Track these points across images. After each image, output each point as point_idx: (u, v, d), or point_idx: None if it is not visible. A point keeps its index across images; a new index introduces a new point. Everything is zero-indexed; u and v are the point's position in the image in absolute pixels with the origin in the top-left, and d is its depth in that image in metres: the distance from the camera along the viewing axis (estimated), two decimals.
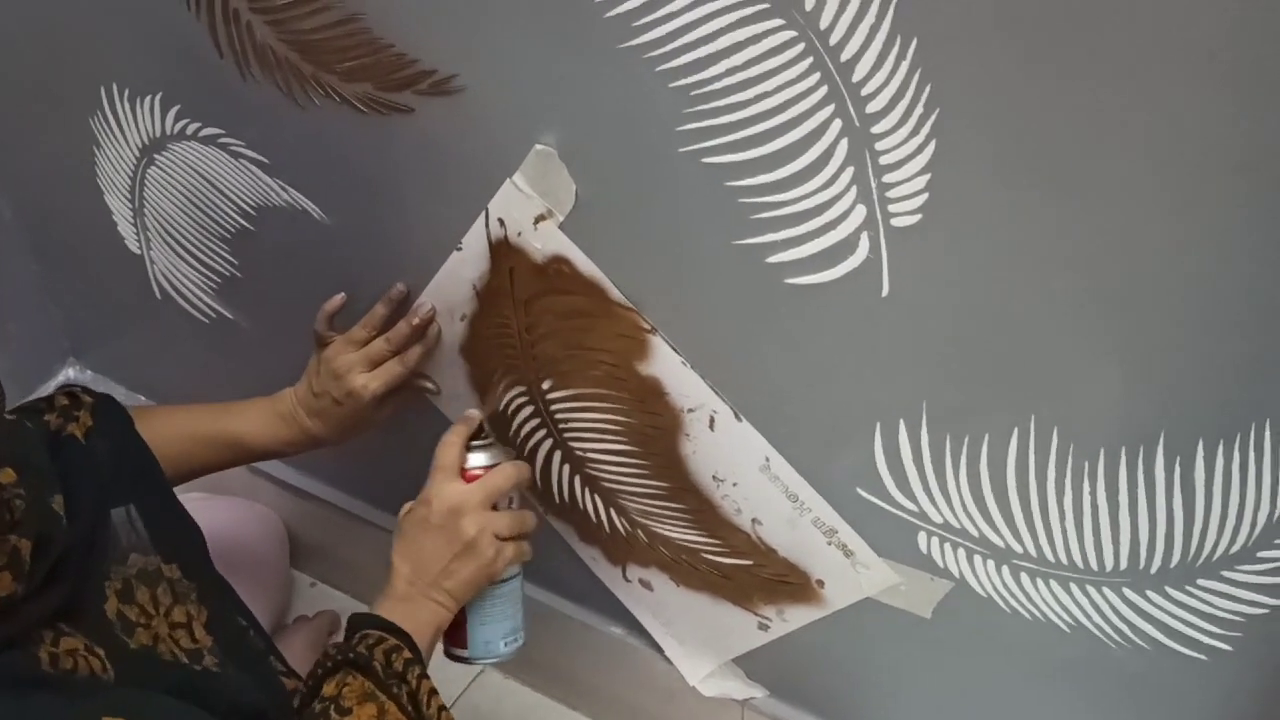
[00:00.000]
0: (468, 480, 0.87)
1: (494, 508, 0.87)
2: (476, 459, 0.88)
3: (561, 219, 0.81)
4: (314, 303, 1.03)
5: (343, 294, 0.98)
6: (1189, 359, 0.65)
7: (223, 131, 0.95)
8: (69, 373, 1.37)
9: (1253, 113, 0.55)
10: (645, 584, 1.04)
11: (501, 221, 0.84)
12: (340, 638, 0.83)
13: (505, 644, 0.91)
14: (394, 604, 0.83)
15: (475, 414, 0.90)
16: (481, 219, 0.85)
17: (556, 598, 1.15)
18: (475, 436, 0.90)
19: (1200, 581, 0.73)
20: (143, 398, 1.33)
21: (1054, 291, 0.66)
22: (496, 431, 0.98)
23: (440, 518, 0.85)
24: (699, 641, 1.06)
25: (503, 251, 0.86)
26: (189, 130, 0.97)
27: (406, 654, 0.78)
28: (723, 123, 0.69)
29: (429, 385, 1.01)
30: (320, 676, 0.77)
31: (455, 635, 0.89)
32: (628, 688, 1.17)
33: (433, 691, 0.77)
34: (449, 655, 0.91)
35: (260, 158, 0.94)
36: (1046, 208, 0.63)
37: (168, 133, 0.98)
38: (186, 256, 1.10)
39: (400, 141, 0.84)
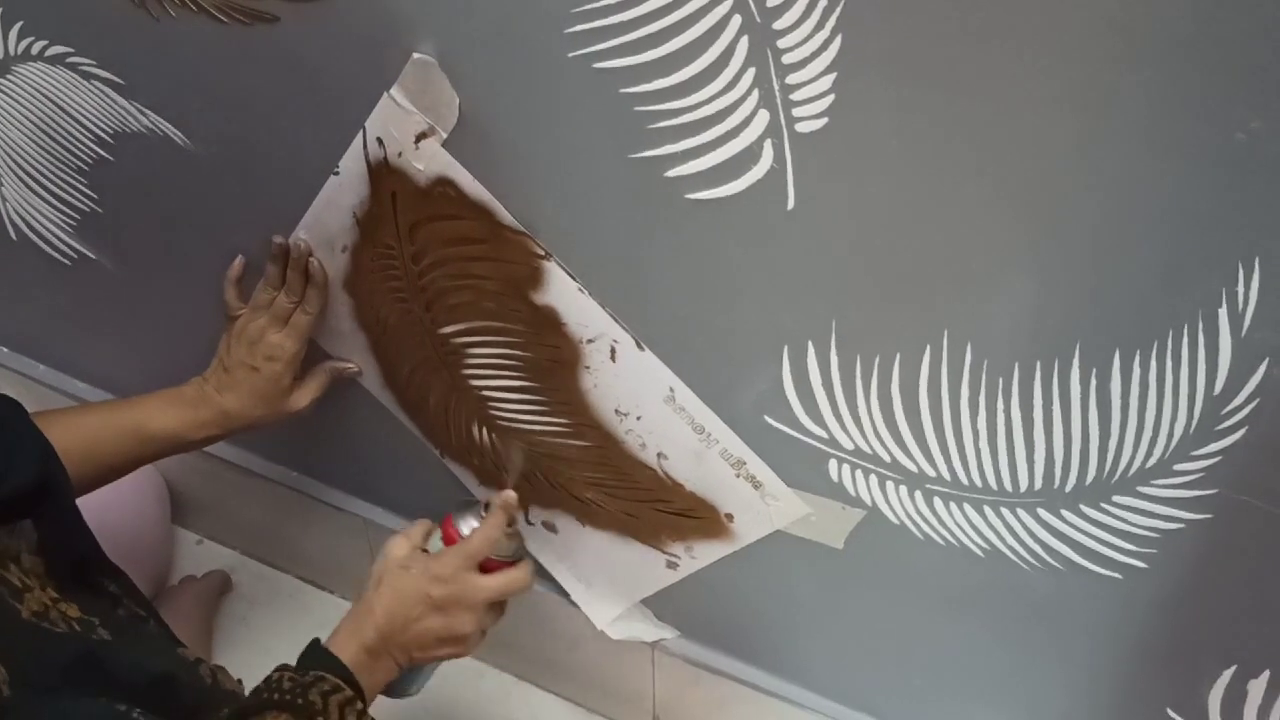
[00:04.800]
0: (484, 568, 0.85)
1: None
2: (502, 550, 0.86)
3: (445, 136, 0.75)
4: (183, 238, 0.97)
5: (241, 257, 0.94)
6: (1103, 266, 0.62)
7: (71, 50, 0.87)
8: None
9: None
10: (549, 526, 1.01)
11: (380, 141, 0.78)
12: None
13: (417, 688, 0.90)
14: (360, 653, 0.80)
15: (514, 498, 0.87)
16: (359, 139, 0.79)
17: None
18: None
19: (1116, 498, 0.71)
20: (4, 349, 1.24)
21: (964, 199, 0.63)
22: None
23: (444, 601, 0.82)
24: (606, 583, 1.02)
25: (383, 174, 0.80)
26: (34, 50, 0.89)
27: (359, 707, 0.75)
28: (614, 22, 0.64)
29: (350, 367, 0.98)
30: (265, 703, 0.73)
31: None
32: (533, 635, 1.13)
33: None
34: None
35: (114, 78, 0.87)
36: (954, 109, 0.59)
37: (11, 53, 0.90)
38: (41, 192, 1.01)
39: (266, 55, 0.78)
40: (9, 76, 0.92)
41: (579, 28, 0.65)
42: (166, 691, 0.72)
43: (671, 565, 0.96)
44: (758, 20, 0.60)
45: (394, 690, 0.86)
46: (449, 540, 0.86)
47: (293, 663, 0.77)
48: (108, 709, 0.66)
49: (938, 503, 0.78)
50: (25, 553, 0.74)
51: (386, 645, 0.81)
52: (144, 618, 0.86)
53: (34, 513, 0.76)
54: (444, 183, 0.78)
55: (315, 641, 0.79)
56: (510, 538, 0.87)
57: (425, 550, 0.85)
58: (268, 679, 0.75)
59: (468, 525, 0.86)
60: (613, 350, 0.82)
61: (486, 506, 0.87)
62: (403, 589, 0.82)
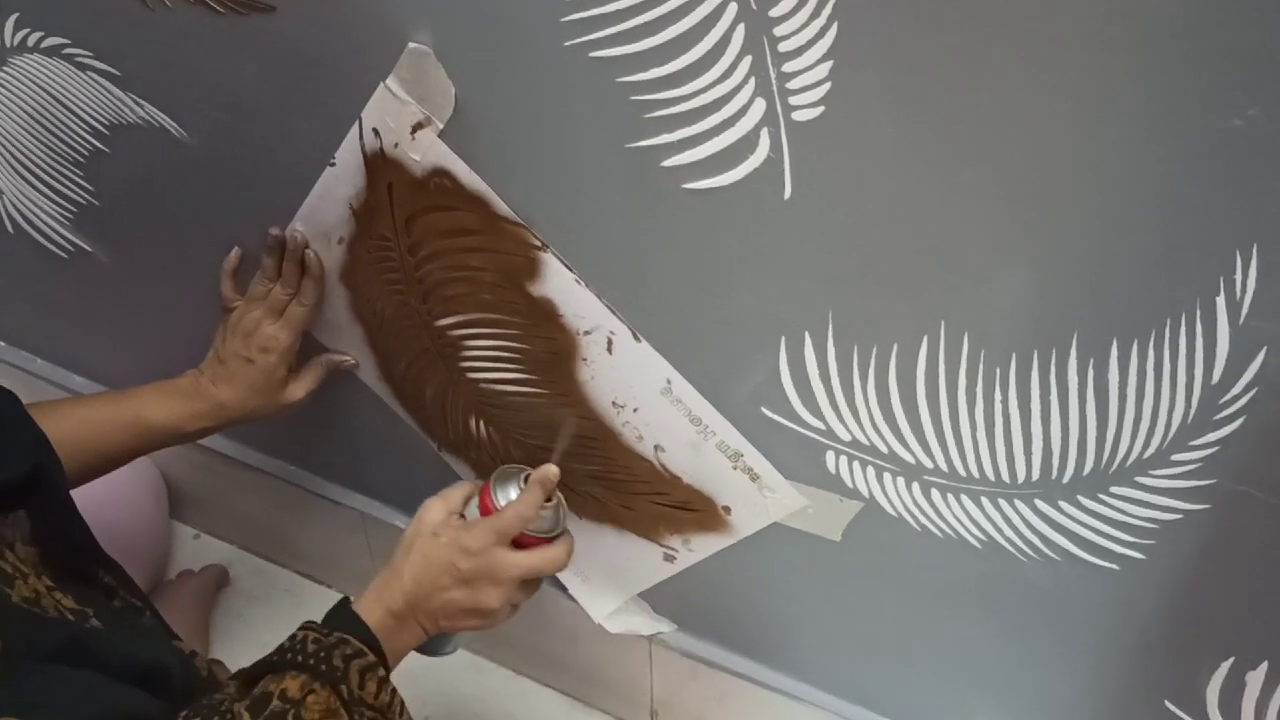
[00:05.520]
0: (519, 542, 0.82)
1: None
2: (539, 524, 0.84)
3: (441, 126, 0.75)
4: (179, 230, 0.97)
5: (237, 248, 0.94)
6: (1100, 255, 0.62)
7: (67, 41, 0.87)
8: None
9: None
10: None
11: (376, 132, 0.78)
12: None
13: (451, 649, 0.88)
14: (386, 616, 0.78)
15: (553, 474, 0.85)
16: (355, 130, 0.79)
17: None
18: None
19: (1114, 489, 0.71)
20: (0, 342, 1.24)
21: (962, 187, 0.62)
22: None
23: (472, 574, 0.80)
24: (603, 577, 1.02)
25: (379, 165, 0.80)
26: (30, 41, 0.88)
27: (381, 674, 0.74)
28: (610, 10, 0.64)
29: (346, 359, 0.98)
30: (288, 662, 0.72)
31: None
32: (530, 629, 1.13)
33: (403, 705, 0.75)
34: None
35: (110, 69, 0.87)
36: (951, 97, 0.59)
37: (7, 45, 0.90)
38: (37, 184, 1.01)
39: (262, 45, 0.77)
40: (4, 68, 0.92)
41: (575, 16, 0.65)
42: (159, 681, 0.72)
43: (669, 558, 0.95)
44: (753, 7, 0.60)
45: (426, 650, 0.85)
46: (485, 509, 0.84)
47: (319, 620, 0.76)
48: (95, 678, 0.65)
49: (935, 494, 0.78)
50: (19, 542, 0.73)
51: (413, 611, 0.79)
52: (139, 609, 0.86)
53: (27, 503, 0.76)
54: (440, 173, 0.78)
55: (344, 600, 0.78)
56: (548, 513, 0.84)
57: (463, 516, 0.84)
58: (292, 636, 0.74)
59: (505, 496, 0.84)
60: (610, 342, 0.82)
61: (529, 477, 0.85)
62: (431, 557, 0.80)
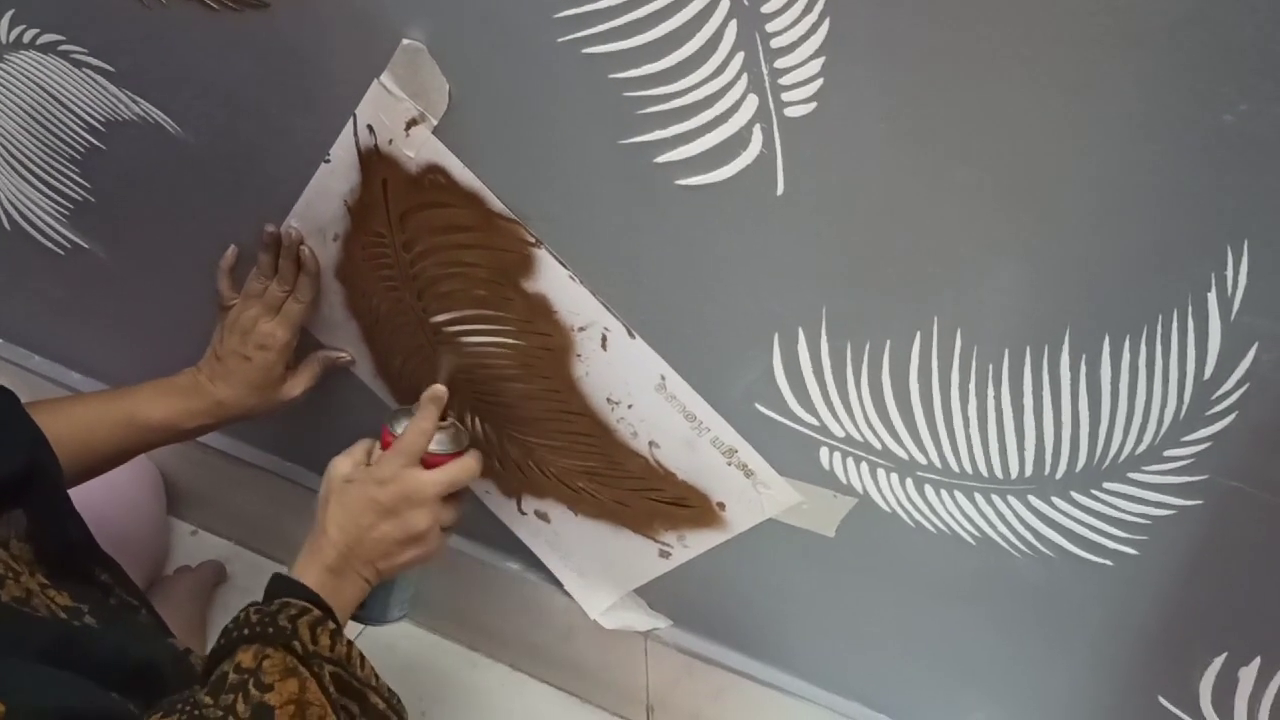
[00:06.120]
0: (427, 465, 0.82)
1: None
2: (440, 444, 0.84)
3: (435, 123, 0.75)
4: (175, 227, 0.97)
5: (233, 246, 0.94)
6: (1092, 251, 0.62)
7: (63, 38, 0.87)
8: None
9: None
10: (542, 516, 1.00)
11: (371, 128, 0.78)
12: (245, 600, 0.77)
13: (399, 611, 0.88)
14: (323, 574, 0.78)
15: (443, 391, 0.85)
16: (349, 126, 0.79)
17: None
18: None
19: (1106, 485, 0.71)
20: None
21: (954, 184, 0.63)
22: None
23: (393, 502, 0.80)
24: (599, 573, 1.02)
25: (373, 161, 0.80)
26: (25, 38, 0.88)
27: (331, 626, 0.73)
28: (603, 7, 0.64)
29: (342, 355, 0.98)
30: (235, 640, 0.71)
31: None
32: (526, 625, 1.13)
33: (362, 656, 0.74)
34: None
35: (105, 65, 0.87)
36: (943, 92, 0.59)
37: (3, 41, 0.90)
38: (34, 181, 1.01)
39: (256, 41, 0.77)
40: (0, 65, 0.92)
41: (568, 12, 0.65)
42: (150, 679, 0.72)
43: (664, 554, 0.96)
44: (745, 4, 0.60)
45: (372, 615, 0.85)
46: (385, 445, 0.84)
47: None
48: (78, 679, 0.65)
49: (929, 490, 0.78)
50: (14, 539, 0.73)
51: (348, 561, 0.79)
52: (135, 606, 0.86)
53: (24, 501, 0.76)
54: (434, 170, 0.78)
55: (276, 574, 0.77)
56: (448, 432, 0.85)
57: (368, 465, 0.84)
58: (235, 618, 0.73)
59: (401, 427, 0.84)
60: (604, 338, 0.82)
61: (420, 401, 0.85)
62: (349, 501, 0.80)
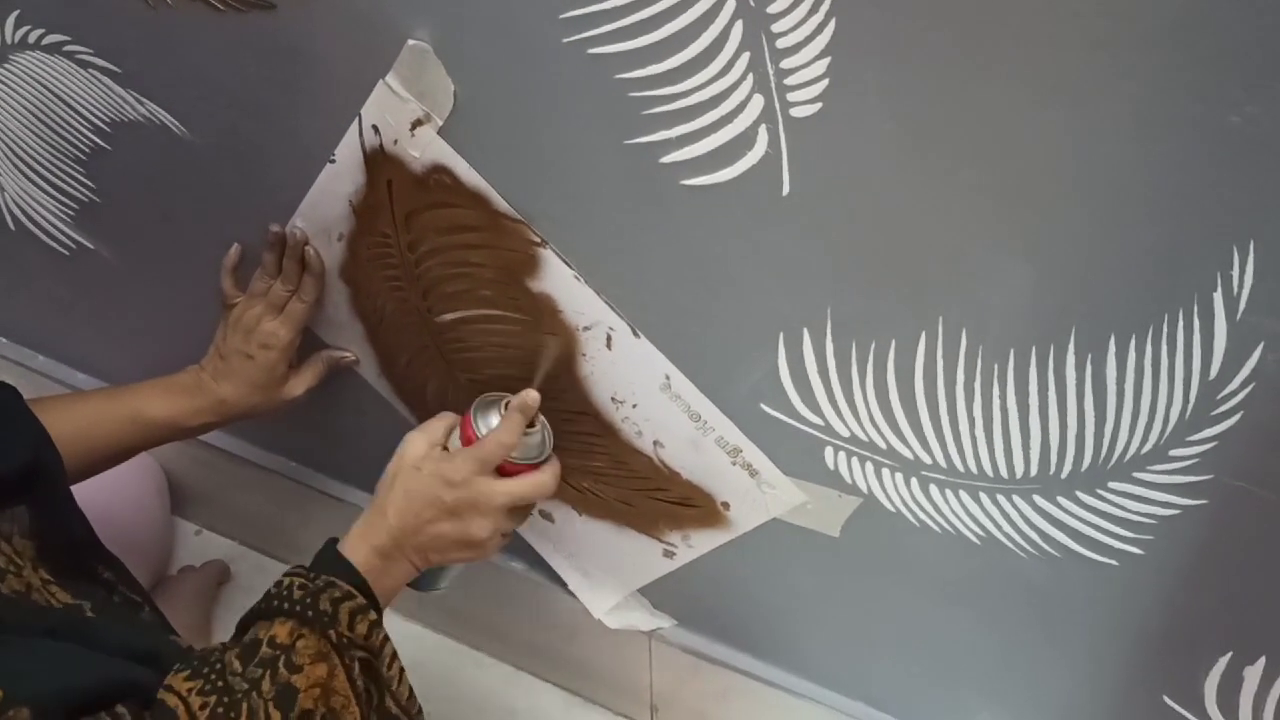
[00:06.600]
0: (503, 471, 0.81)
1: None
2: (522, 452, 0.81)
3: (440, 123, 0.75)
4: (180, 228, 0.97)
5: (237, 245, 0.94)
6: (1098, 251, 0.62)
7: (69, 38, 0.87)
8: None
9: None
10: (546, 515, 1.00)
11: (376, 128, 0.78)
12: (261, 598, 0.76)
13: (446, 584, 0.88)
14: (371, 555, 0.77)
15: (533, 399, 0.82)
16: (354, 127, 0.79)
17: None
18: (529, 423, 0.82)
19: (1112, 484, 0.71)
20: (2, 339, 1.24)
21: (959, 184, 0.63)
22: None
23: (456, 505, 0.79)
24: (603, 573, 1.02)
25: (379, 162, 0.80)
26: (31, 39, 0.89)
27: (371, 617, 0.73)
28: (609, 7, 0.64)
29: (347, 355, 0.98)
30: (275, 610, 0.71)
31: None
32: (530, 625, 1.13)
33: (394, 655, 0.74)
34: None
35: (111, 66, 0.87)
36: (949, 93, 0.59)
37: (9, 42, 0.90)
38: (39, 181, 1.01)
39: (262, 42, 0.78)
40: (6, 65, 0.92)
41: (573, 13, 0.65)
42: (153, 670, 0.72)
43: (668, 554, 0.96)
44: (751, 4, 0.60)
45: (419, 586, 0.84)
46: (467, 440, 0.82)
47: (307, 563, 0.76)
48: (82, 651, 0.65)
49: (934, 490, 0.78)
50: (17, 535, 0.74)
51: (400, 547, 0.78)
52: (138, 604, 0.86)
53: (27, 497, 0.76)
54: (440, 170, 0.78)
55: (331, 542, 0.77)
56: (531, 439, 0.82)
57: (445, 448, 0.82)
58: (279, 582, 0.73)
59: (486, 424, 0.81)
60: (609, 338, 0.82)
61: (509, 404, 0.82)
62: (414, 491, 0.79)
